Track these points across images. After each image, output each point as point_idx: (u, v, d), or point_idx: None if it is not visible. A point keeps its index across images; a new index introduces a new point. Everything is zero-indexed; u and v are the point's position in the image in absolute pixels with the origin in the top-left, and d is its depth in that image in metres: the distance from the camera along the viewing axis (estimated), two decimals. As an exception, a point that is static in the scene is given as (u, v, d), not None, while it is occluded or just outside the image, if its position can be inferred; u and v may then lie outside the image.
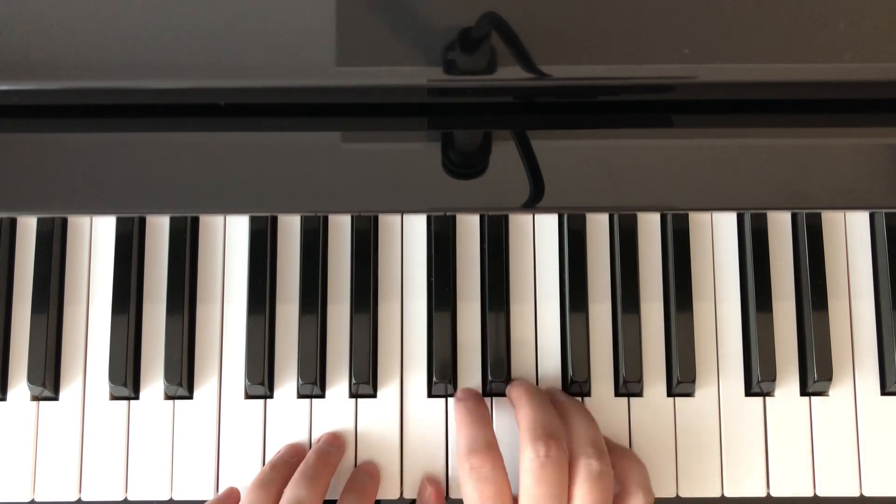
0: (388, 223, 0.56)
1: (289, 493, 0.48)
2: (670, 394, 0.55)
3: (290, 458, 0.51)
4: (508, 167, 0.52)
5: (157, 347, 0.54)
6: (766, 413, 0.54)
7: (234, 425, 0.54)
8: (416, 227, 0.56)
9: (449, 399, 0.54)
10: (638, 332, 0.54)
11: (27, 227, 0.56)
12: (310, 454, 0.51)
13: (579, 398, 0.54)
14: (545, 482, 0.45)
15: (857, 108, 0.53)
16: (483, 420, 0.50)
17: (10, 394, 0.54)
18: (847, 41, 0.50)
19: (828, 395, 0.55)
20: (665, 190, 0.52)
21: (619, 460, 0.49)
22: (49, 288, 0.54)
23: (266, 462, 0.53)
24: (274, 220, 0.56)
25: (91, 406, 0.54)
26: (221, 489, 0.53)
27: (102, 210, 0.54)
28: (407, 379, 0.54)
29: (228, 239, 0.56)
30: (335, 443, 0.53)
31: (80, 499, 0.53)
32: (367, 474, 0.52)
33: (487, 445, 0.48)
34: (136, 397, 0.54)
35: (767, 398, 0.54)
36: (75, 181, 0.52)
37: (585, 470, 0.45)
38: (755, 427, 0.54)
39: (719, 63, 0.50)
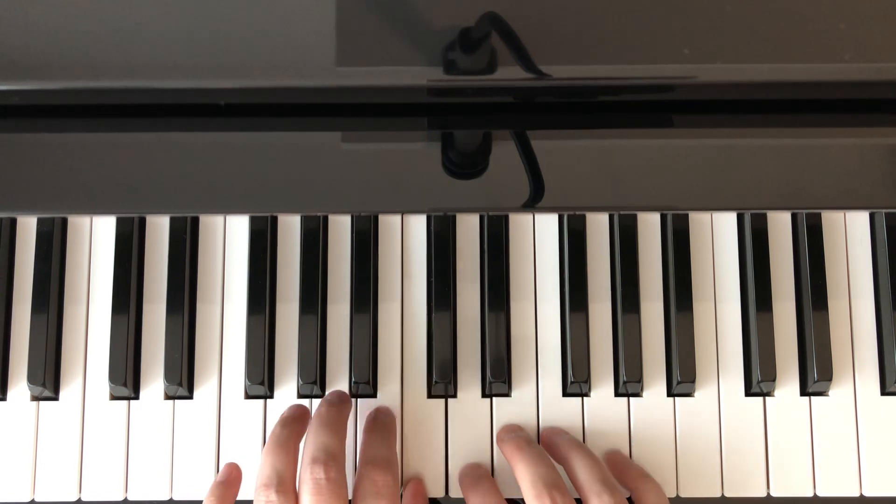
0: (388, 223, 0.56)
1: (313, 442, 0.47)
2: (670, 394, 0.55)
3: (300, 415, 0.51)
4: (508, 167, 0.52)
5: (157, 347, 0.54)
6: (766, 413, 0.54)
7: (234, 425, 0.54)
8: (416, 227, 0.56)
9: (449, 399, 0.54)
10: (638, 332, 0.54)
11: (27, 227, 0.56)
12: (320, 407, 0.50)
13: (579, 398, 0.54)
14: None
15: (857, 108, 0.53)
16: (497, 492, 0.50)
17: (10, 394, 0.54)
18: (847, 41, 0.50)
19: (828, 395, 0.55)
20: (665, 190, 0.52)
21: (635, 483, 0.49)
22: (49, 288, 0.54)
23: (274, 426, 0.52)
24: (274, 220, 0.56)
25: (91, 406, 0.54)
26: (221, 489, 0.53)
27: (102, 210, 0.54)
28: (407, 379, 0.54)
29: (228, 239, 0.56)
30: (343, 396, 0.52)
31: (80, 499, 0.53)
32: (384, 414, 0.53)
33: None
34: (136, 397, 0.54)
35: (767, 398, 0.54)
36: (75, 181, 0.52)
37: None
38: (755, 427, 0.54)
39: (719, 63, 0.50)
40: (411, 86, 0.51)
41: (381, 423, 0.52)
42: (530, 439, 0.51)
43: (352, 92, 0.51)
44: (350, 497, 0.47)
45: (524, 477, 0.47)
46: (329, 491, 0.44)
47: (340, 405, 0.51)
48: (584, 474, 0.47)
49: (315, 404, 0.54)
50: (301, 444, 0.49)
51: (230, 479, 0.50)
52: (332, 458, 0.45)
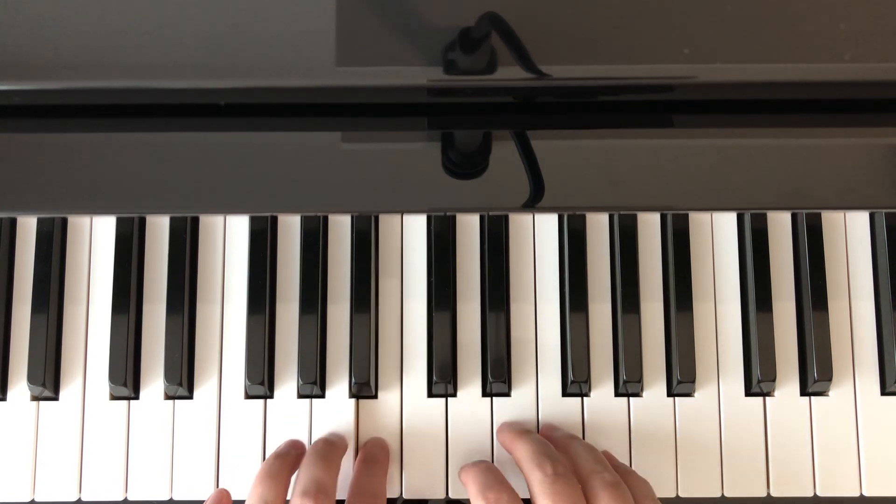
0: (388, 223, 0.56)
1: (305, 474, 0.47)
2: (670, 394, 0.55)
3: (293, 450, 0.51)
4: (508, 167, 0.52)
5: (157, 347, 0.54)
6: (766, 413, 0.54)
7: (234, 425, 0.54)
8: (416, 227, 0.56)
9: (449, 399, 0.54)
10: (638, 332, 0.54)
11: (27, 227, 0.56)
12: (317, 441, 0.51)
13: (579, 398, 0.54)
14: (562, 496, 0.44)
15: (857, 108, 0.53)
16: (494, 469, 0.50)
17: (10, 394, 0.54)
18: (847, 41, 0.50)
19: (828, 395, 0.55)
20: (665, 190, 0.52)
21: (623, 479, 0.49)
22: (49, 288, 0.54)
23: (267, 457, 0.52)
24: (274, 220, 0.56)
25: (91, 406, 0.54)
26: (221, 489, 0.53)
27: (102, 210, 0.54)
28: (407, 379, 0.54)
29: (228, 239, 0.56)
30: (340, 435, 0.53)
31: (80, 499, 0.53)
32: (377, 447, 0.53)
33: (501, 481, 0.48)
34: (136, 397, 0.54)
35: (767, 398, 0.54)
36: (75, 181, 0.52)
37: (600, 482, 0.45)
38: (755, 427, 0.54)
39: (719, 63, 0.50)
40: (411, 86, 0.51)
41: (374, 457, 0.52)
42: (529, 429, 0.52)
43: (352, 92, 0.51)
44: None
45: (522, 453, 0.47)
46: None
47: (337, 442, 0.52)
48: (582, 458, 0.48)
49: (315, 404, 0.54)
50: (293, 478, 0.49)
51: None
52: (322, 492, 0.45)
